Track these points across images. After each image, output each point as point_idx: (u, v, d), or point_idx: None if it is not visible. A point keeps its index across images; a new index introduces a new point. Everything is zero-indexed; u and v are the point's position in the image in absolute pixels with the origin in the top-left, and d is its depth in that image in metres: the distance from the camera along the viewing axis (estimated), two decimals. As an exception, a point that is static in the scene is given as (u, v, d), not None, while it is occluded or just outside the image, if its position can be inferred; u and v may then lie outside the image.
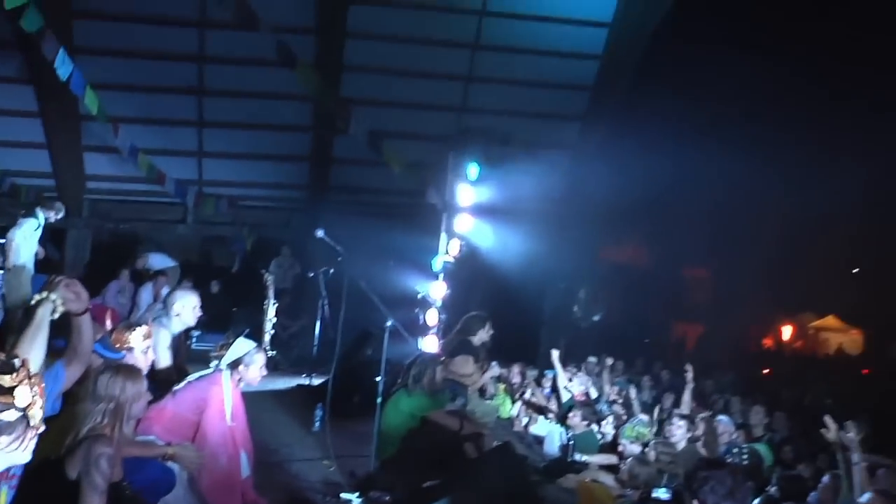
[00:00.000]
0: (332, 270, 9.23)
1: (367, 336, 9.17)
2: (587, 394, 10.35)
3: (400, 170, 12.29)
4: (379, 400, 6.92)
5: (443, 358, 8.03)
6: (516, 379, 11.29)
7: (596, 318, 16.09)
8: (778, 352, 25.40)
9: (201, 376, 5.78)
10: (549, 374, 10.93)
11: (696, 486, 3.59)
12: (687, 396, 9.21)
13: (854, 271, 25.50)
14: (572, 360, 12.84)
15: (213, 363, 5.84)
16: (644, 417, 8.69)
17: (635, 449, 7.79)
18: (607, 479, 7.48)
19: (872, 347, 24.64)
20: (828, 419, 5.86)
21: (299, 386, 10.08)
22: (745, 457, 7.58)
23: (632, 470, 7.03)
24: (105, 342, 5.04)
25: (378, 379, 6.94)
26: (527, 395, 10.40)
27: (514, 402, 10.29)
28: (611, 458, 8.00)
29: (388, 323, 7.08)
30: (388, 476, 6.63)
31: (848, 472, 5.60)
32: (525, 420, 9.79)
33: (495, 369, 8.63)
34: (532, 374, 11.61)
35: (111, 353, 5.01)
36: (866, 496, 4.87)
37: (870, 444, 7.73)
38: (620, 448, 8.02)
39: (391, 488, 6.37)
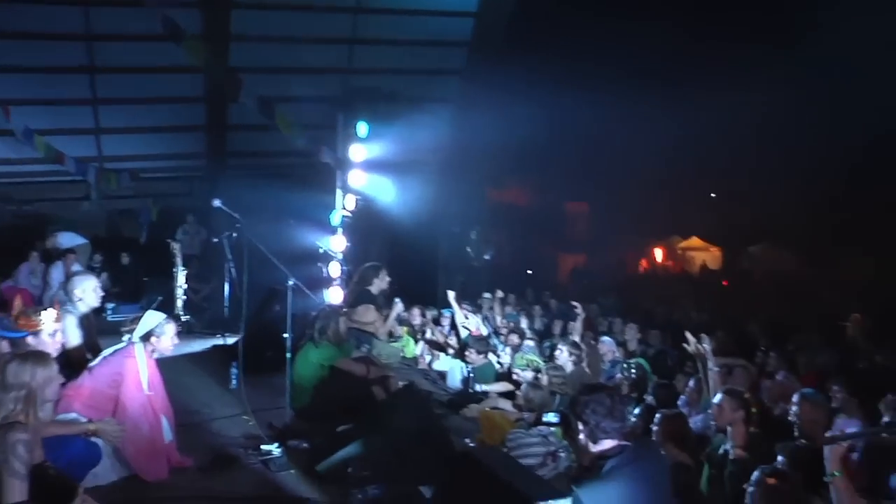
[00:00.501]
0: (234, 234, 9.00)
1: (273, 294, 9.00)
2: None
3: (292, 132, 12.06)
4: (288, 354, 6.86)
5: (344, 309, 7.99)
6: (417, 320, 11.38)
7: (487, 257, 16.24)
8: (652, 273, 26.35)
9: (115, 350, 5.59)
10: (447, 313, 11.08)
11: (579, 409, 3.68)
12: (578, 325, 9.47)
13: (712, 196, 26.55)
14: (468, 298, 13.00)
15: (126, 337, 5.65)
16: (531, 344, 8.91)
17: (528, 375, 8.01)
18: (506, 405, 7.70)
19: (728, 261, 25.95)
20: (687, 334, 6.17)
21: (214, 346, 9.88)
22: (632, 371, 7.87)
23: (526, 395, 7.22)
24: (4, 323, 4.82)
25: (286, 335, 6.85)
26: (427, 335, 10.50)
27: (416, 342, 10.39)
28: (507, 386, 8.20)
29: (290, 281, 6.98)
30: (305, 424, 6.69)
31: (706, 377, 5.92)
32: (428, 358, 9.93)
33: (399, 305, 8.67)
34: (432, 314, 11.73)
35: (11, 333, 4.81)
36: (718, 396, 5.17)
37: (728, 348, 8.20)
38: (515, 376, 8.22)
39: (308, 435, 6.38)
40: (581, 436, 3.69)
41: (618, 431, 3.62)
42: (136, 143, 14.35)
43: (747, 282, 20.63)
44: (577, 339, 8.94)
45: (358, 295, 8.34)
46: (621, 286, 18.56)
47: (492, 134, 14.17)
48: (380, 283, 8.40)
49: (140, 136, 14.21)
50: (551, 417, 4.16)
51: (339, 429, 6.15)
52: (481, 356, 8.79)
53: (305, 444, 6.28)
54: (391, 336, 9.03)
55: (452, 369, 9.11)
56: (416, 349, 10.21)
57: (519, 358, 8.30)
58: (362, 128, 11.60)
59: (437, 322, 11.30)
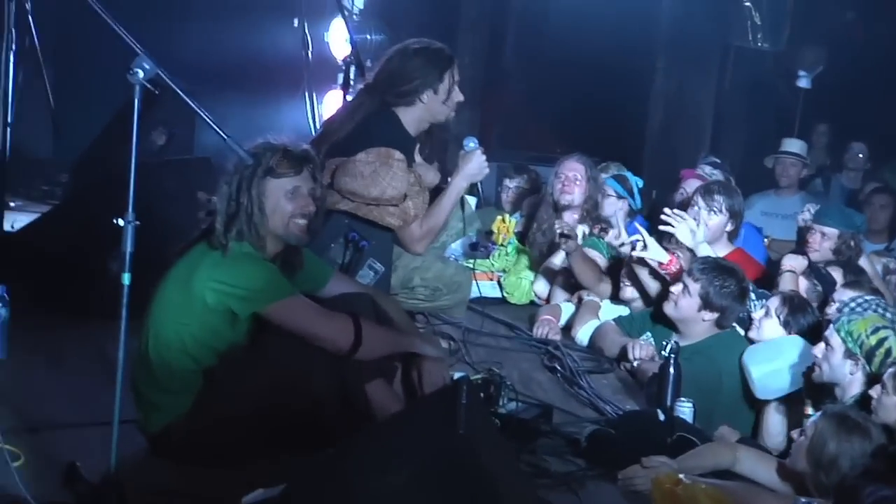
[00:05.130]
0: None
1: (149, 102, 5.70)
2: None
3: None
4: (126, 279, 3.88)
5: (309, 155, 4.56)
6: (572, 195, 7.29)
7: (804, 80, 11.10)
8: None
9: None
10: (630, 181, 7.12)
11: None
12: None
13: None
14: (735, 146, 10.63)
15: None
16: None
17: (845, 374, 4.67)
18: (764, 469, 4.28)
19: None
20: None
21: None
22: None
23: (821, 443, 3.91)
24: None
25: (123, 222, 3.89)
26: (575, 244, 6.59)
27: (533, 265, 6.63)
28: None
29: (137, 69, 3.62)
30: (169, 473, 4.23)
31: None
32: (566, 310, 6.16)
33: (479, 159, 5.27)
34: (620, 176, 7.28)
35: None
36: None
37: None
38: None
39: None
40: None
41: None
42: None
43: None
44: None
45: (376, 124, 5.10)
46: None
47: None
48: (439, 100, 5.24)
49: None
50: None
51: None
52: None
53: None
54: (476, 249, 6.12)
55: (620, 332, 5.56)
56: (536, 281, 6.54)
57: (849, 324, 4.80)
58: None
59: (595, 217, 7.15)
